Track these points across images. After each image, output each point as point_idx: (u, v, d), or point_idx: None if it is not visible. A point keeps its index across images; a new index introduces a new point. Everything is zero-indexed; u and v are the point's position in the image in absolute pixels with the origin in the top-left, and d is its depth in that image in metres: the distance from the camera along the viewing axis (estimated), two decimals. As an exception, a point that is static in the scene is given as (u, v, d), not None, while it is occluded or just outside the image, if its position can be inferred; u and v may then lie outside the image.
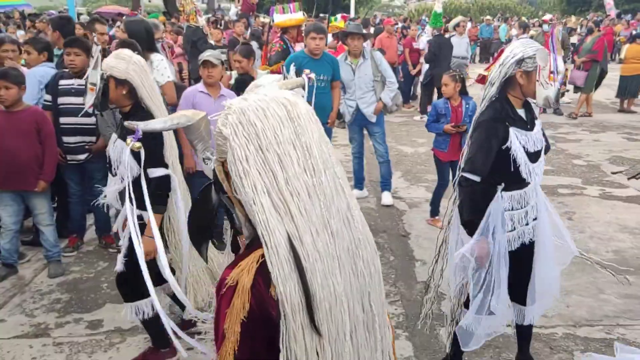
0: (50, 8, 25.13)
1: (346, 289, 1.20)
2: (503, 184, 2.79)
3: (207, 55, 4.42)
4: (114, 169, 3.00)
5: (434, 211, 5.52)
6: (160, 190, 2.95)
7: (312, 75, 2.80)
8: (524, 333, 3.12)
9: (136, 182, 2.83)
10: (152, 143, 2.92)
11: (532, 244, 2.89)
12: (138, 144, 2.04)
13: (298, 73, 5.31)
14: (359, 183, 6.30)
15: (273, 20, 7.74)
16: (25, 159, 4.07)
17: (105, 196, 3.13)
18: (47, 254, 4.39)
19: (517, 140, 2.72)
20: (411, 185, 6.75)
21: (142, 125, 1.97)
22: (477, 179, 2.75)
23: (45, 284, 4.26)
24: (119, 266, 3.03)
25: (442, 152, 5.33)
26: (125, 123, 1.94)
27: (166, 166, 2.97)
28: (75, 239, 4.84)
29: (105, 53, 4.97)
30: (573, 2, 37.13)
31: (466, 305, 2.98)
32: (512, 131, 2.73)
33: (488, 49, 20.43)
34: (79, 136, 4.47)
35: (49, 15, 12.84)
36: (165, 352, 3.27)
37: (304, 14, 7.85)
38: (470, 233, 2.80)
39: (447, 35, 10.69)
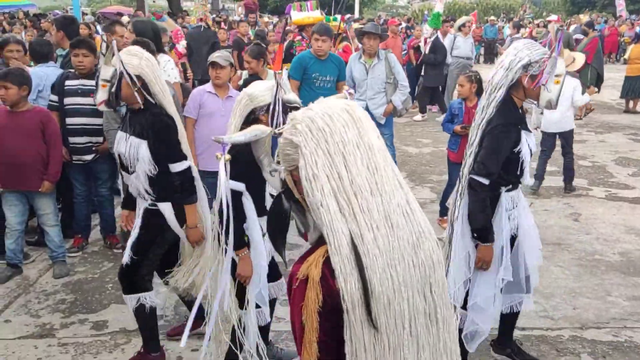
0: (55, 8, 25.18)
1: (405, 279, 1.27)
2: (510, 186, 2.84)
3: (215, 56, 4.41)
4: (130, 166, 2.97)
5: (443, 211, 5.50)
6: (188, 182, 3.01)
7: (352, 91, 2.86)
8: (511, 319, 3.21)
9: (155, 176, 2.94)
10: (170, 137, 2.95)
11: (513, 237, 2.96)
12: (228, 156, 2.25)
13: (305, 73, 5.35)
14: (363, 184, 6.28)
15: (290, 18, 7.72)
16: (29, 159, 4.06)
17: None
18: (52, 255, 4.39)
19: (526, 143, 2.77)
20: (416, 186, 6.72)
21: (226, 139, 2.19)
22: (486, 182, 2.77)
23: (50, 285, 4.25)
24: (126, 258, 3.04)
25: (453, 152, 5.31)
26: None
27: (186, 157, 3.01)
28: (80, 240, 4.84)
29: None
30: (578, 2, 37.01)
31: (463, 307, 3.00)
32: (523, 134, 2.77)
33: (492, 50, 20.40)
34: (86, 137, 4.47)
35: (54, 16, 12.88)
36: (155, 357, 3.22)
37: (321, 13, 7.82)
38: (481, 239, 2.80)
39: (451, 35, 10.67)
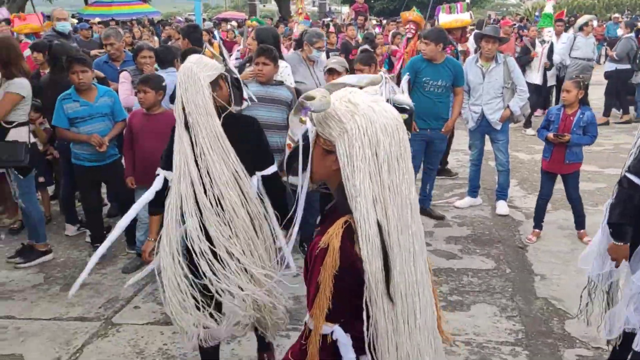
0: (174, 14, 26.90)
1: (418, 277, 1.52)
2: None
3: (332, 62, 4.52)
4: None
5: (537, 224, 5.28)
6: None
7: (388, 76, 2.80)
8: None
9: None
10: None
11: None
12: (305, 118, 2.27)
13: (417, 77, 5.31)
14: (473, 190, 6.13)
15: (438, 21, 7.58)
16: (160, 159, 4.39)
17: None
18: (175, 247, 4.71)
19: None
20: (528, 195, 6.44)
21: (308, 104, 2.23)
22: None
23: (173, 275, 4.57)
24: None
25: (545, 160, 5.09)
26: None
27: (164, 168, 2.97)
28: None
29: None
30: None
31: None
32: None
33: (614, 50, 18.95)
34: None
35: (177, 23, 13.82)
36: None
37: (471, 15, 7.58)
38: (613, 235, 2.75)
39: (571, 35, 10.09)
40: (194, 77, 2.72)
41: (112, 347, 3.64)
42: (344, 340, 1.57)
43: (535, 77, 9.58)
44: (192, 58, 2.81)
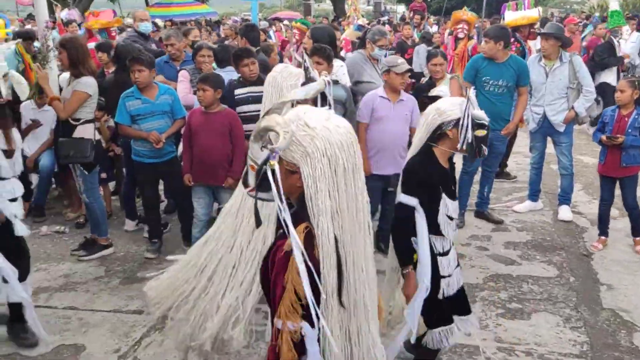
0: (230, 14, 27.36)
1: (369, 278, 1.71)
2: None
3: (400, 61, 4.45)
4: None
5: (602, 231, 5.04)
6: None
7: (329, 79, 2.75)
8: None
9: None
10: None
11: None
12: (274, 162, 2.16)
13: (477, 76, 5.17)
14: (534, 194, 5.92)
15: (503, 19, 7.41)
16: (218, 157, 4.44)
17: None
18: (230, 244, 4.76)
19: None
20: (593, 200, 6.15)
21: (277, 149, 1.83)
22: None
23: (228, 272, 4.62)
24: None
25: (600, 163, 4.91)
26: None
27: None
28: (253, 232, 5.19)
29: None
30: None
31: None
32: None
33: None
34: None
35: (234, 22, 14.06)
36: None
37: (539, 12, 7.32)
38: None
39: (638, 34, 9.60)
40: (277, 86, 2.89)
41: (168, 340, 3.70)
42: (311, 335, 1.66)
43: (615, 79, 8.90)
44: (278, 67, 2.94)
